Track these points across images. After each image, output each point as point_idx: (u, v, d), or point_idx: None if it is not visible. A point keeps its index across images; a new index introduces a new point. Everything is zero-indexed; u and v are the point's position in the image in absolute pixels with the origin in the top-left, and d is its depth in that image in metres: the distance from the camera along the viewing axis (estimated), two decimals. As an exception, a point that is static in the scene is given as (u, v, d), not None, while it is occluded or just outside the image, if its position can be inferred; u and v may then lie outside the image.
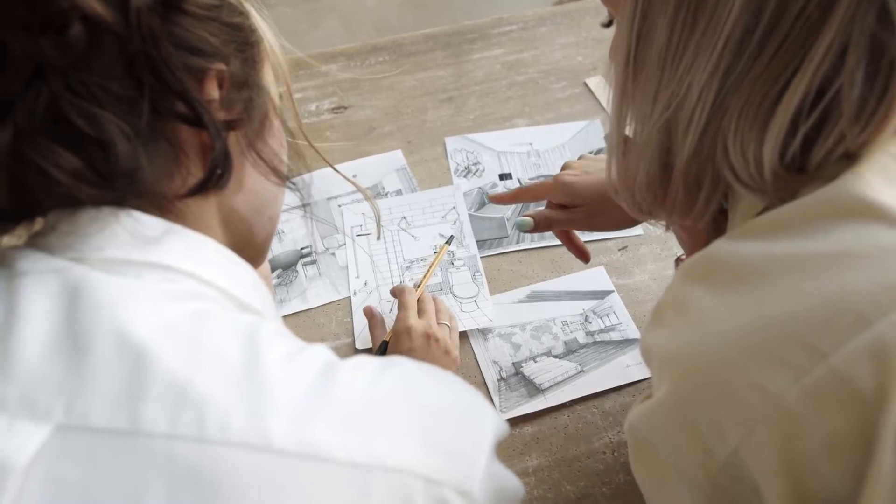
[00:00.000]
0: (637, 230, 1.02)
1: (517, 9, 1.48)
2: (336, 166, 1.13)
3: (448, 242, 0.95)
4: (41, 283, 0.37)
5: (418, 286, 0.91)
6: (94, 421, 0.33)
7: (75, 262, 0.38)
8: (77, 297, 0.36)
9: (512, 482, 0.41)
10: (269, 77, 0.47)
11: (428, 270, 0.94)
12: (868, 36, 0.40)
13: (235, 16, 0.43)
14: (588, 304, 0.94)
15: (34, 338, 0.35)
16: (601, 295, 0.95)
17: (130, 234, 0.39)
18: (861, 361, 0.37)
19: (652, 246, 1.00)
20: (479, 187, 1.10)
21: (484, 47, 1.36)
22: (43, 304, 0.36)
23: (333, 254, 1.02)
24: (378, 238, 1.02)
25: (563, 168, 0.81)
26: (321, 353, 0.39)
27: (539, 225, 0.79)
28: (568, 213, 0.78)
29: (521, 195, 0.82)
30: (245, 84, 0.44)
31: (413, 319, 0.82)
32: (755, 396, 0.40)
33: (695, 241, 0.63)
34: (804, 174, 0.44)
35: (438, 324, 0.84)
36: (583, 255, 0.85)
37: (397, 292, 0.89)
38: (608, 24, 0.64)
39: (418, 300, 0.87)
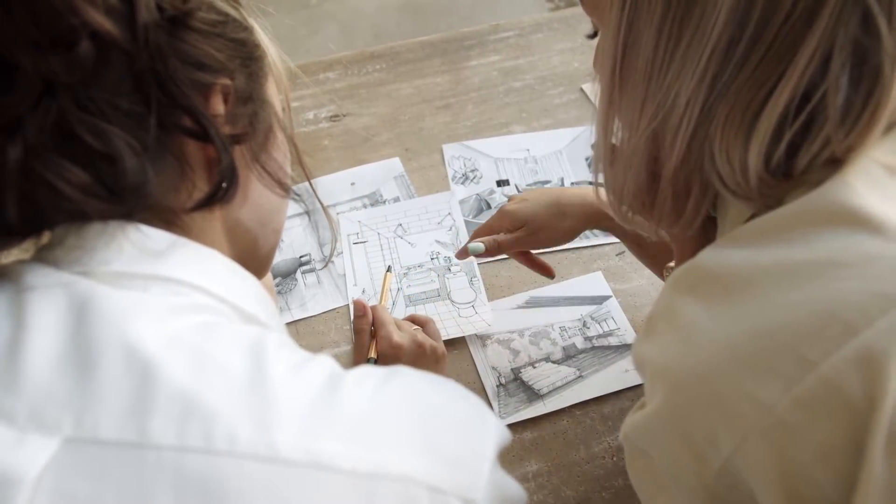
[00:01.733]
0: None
1: (513, 15, 1.49)
2: (334, 174, 1.13)
3: (388, 270, 0.94)
4: (48, 297, 0.37)
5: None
6: (102, 434, 0.34)
7: (82, 276, 0.38)
8: (84, 311, 0.36)
9: (515, 489, 0.42)
10: (272, 90, 0.48)
11: (380, 300, 0.91)
12: (851, 41, 0.40)
13: (240, 31, 0.43)
14: (586, 310, 0.95)
15: (42, 352, 0.35)
16: (599, 300, 0.96)
17: (137, 247, 0.39)
18: (849, 370, 0.38)
19: (649, 251, 1.01)
20: (477, 194, 1.11)
21: (481, 54, 1.37)
22: (50, 318, 0.36)
23: (332, 262, 1.02)
24: (324, 267, 1.01)
25: (507, 201, 0.90)
26: (326, 363, 0.39)
27: (490, 250, 0.87)
28: (513, 234, 0.86)
29: (478, 233, 0.90)
30: (250, 98, 0.45)
31: (396, 335, 0.79)
32: (747, 406, 0.41)
33: (683, 248, 0.63)
34: (790, 180, 0.45)
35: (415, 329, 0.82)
36: (546, 271, 0.93)
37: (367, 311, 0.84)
38: (593, 36, 0.65)
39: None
